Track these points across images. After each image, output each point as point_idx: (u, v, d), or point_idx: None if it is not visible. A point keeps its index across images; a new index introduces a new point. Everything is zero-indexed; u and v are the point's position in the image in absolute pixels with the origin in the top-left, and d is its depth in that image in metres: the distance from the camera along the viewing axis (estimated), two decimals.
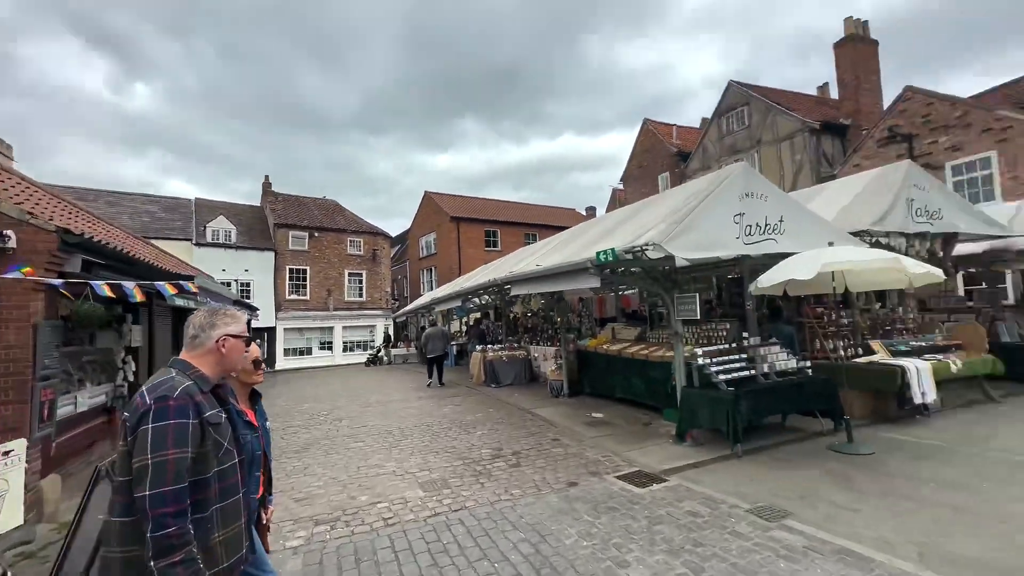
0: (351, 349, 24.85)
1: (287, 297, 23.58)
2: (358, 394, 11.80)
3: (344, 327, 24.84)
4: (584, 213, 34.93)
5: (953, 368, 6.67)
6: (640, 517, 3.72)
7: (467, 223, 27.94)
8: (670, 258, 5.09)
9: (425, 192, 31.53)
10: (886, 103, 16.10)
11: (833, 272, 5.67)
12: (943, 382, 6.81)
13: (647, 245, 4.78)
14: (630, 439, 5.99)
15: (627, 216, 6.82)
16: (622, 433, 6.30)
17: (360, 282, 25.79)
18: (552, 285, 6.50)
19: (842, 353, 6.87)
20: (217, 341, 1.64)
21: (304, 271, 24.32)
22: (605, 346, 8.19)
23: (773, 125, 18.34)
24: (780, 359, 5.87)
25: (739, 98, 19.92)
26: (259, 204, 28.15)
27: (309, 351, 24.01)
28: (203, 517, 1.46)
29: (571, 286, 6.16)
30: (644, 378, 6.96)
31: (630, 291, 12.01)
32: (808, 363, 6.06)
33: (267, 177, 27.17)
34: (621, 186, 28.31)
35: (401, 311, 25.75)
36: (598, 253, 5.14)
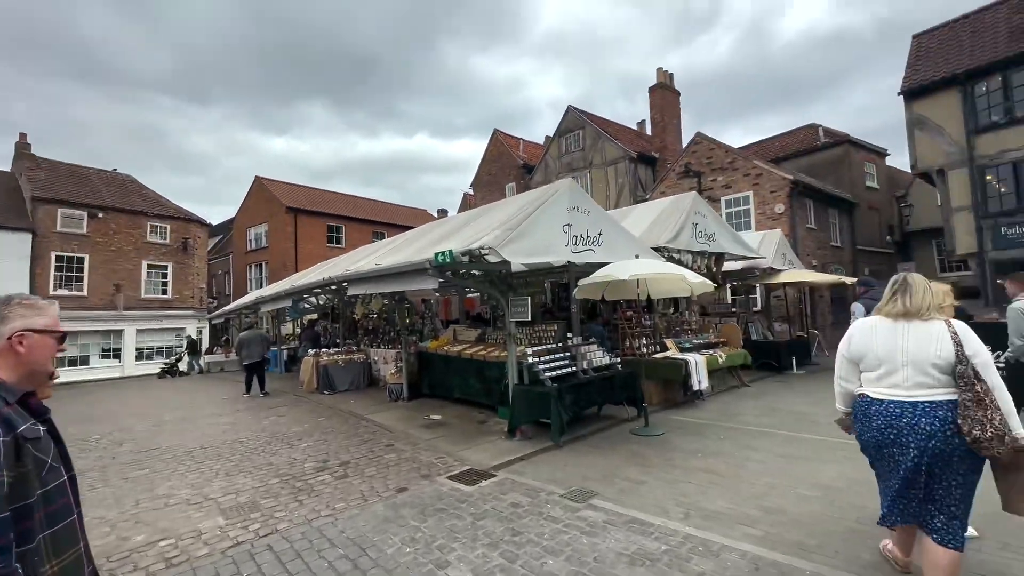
0: (149, 357, 20.56)
1: (52, 292, 18.47)
2: (151, 411, 9.80)
3: (140, 330, 20.44)
4: (436, 215, 34.89)
5: (719, 360, 8.36)
6: (466, 515, 3.80)
7: (307, 216, 25.56)
8: (506, 262, 5.36)
9: (256, 177, 27.84)
10: (684, 143, 19.56)
11: (638, 280, 6.63)
12: (713, 372, 8.49)
13: (483, 249, 4.94)
14: (465, 438, 6.11)
15: (469, 219, 6.98)
16: (457, 433, 6.40)
17: (165, 276, 21.55)
18: (391, 285, 6.30)
19: (645, 350, 8.08)
20: (9, 338, 1.33)
21: (80, 260, 19.36)
22: (446, 348, 8.25)
23: (602, 150, 20.80)
24: (597, 356, 6.62)
25: (576, 122, 22.11)
26: (9, 170, 21.58)
27: (86, 361, 19.16)
28: (29, 549, 1.23)
29: (410, 286, 6.05)
30: (481, 378, 7.19)
31: (473, 294, 12.35)
32: (618, 359, 6.97)
33: (24, 136, 20.92)
34: (471, 191, 29.06)
35: (219, 311, 22.25)
36: (436, 254, 5.14)
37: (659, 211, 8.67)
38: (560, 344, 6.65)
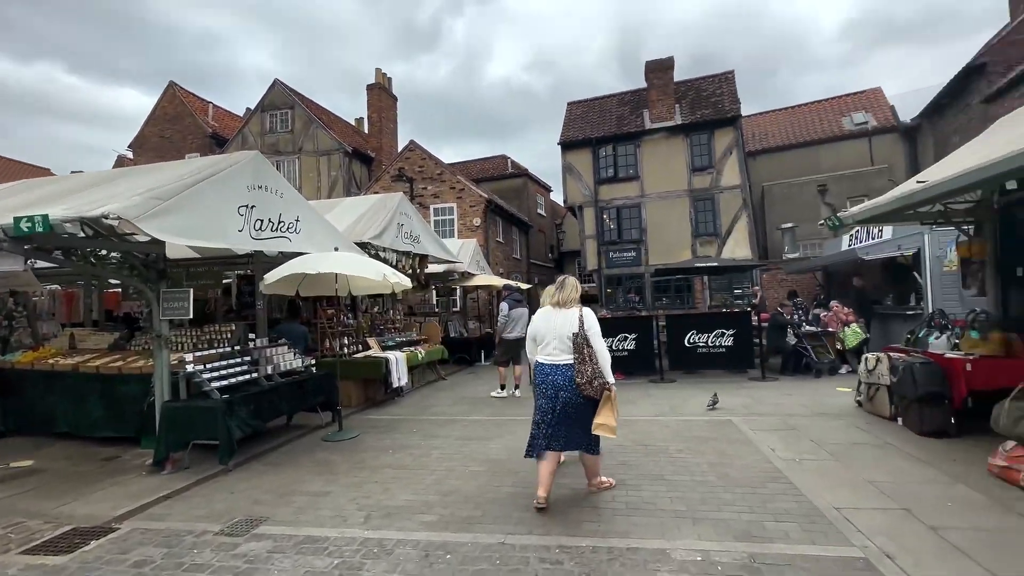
0: None
1: None
2: None
3: None
4: None
5: (420, 356, 8.74)
6: None
7: None
8: (156, 243, 4.07)
9: None
10: (400, 147, 20.12)
11: (337, 276, 6.20)
12: (414, 368, 8.83)
13: (110, 217, 3.58)
14: (74, 487, 4.32)
15: (100, 180, 5.05)
16: (59, 481, 4.48)
17: None
18: None
19: (346, 350, 7.69)
20: None
21: None
22: (53, 361, 5.75)
23: (315, 137, 19.24)
24: (286, 359, 5.84)
25: (284, 99, 19.76)
26: None
27: None
28: None
29: None
30: (111, 400, 5.28)
31: (118, 286, 9.21)
32: (313, 361, 6.35)
33: None
34: (131, 154, 22.12)
35: None
36: (17, 220, 3.44)
37: (367, 207, 8.47)
38: (238, 347, 5.55)
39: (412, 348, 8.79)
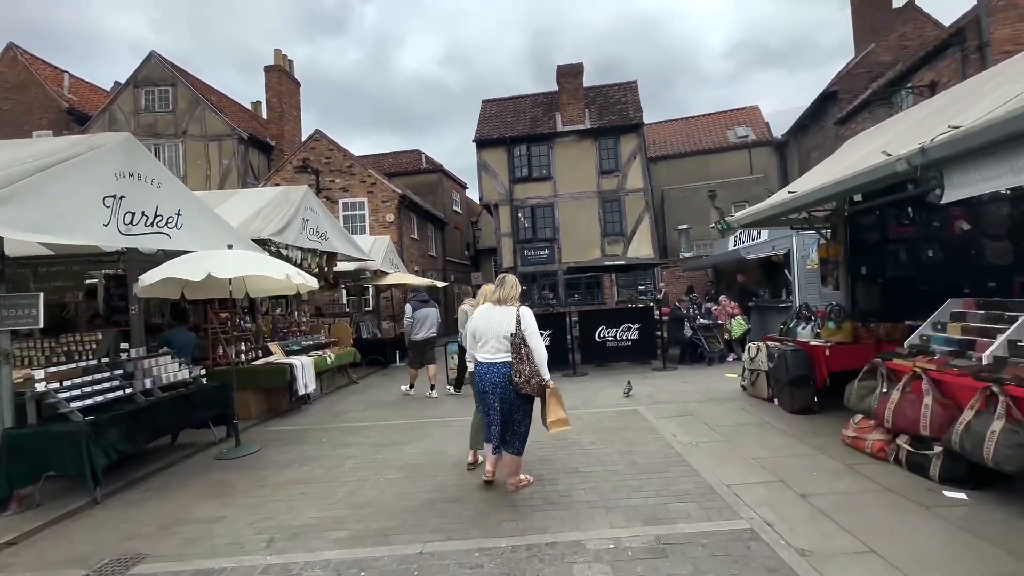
0: None
1: None
2: None
3: None
4: None
5: (329, 360, 8.24)
6: None
7: None
8: None
9: None
10: (305, 136, 18.74)
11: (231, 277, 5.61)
12: (322, 373, 8.30)
13: None
14: None
15: None
16: None
17: None
18: None
19: (243, 357, 7.01)
20: None
21: None
22: None
23: (202, 120, 17.28)
24: (168, 370, 5.17)
25: (163, 76, 17.49)
26: None
27: None
28: None
29: None
30: None
31: None
32: (203, 371, 5.71)
33: None
34: None
35: None
36: None
37: (266, 201, 7.76)
38: (106, 360, 4.80)
39: (320, 352, 8.26)
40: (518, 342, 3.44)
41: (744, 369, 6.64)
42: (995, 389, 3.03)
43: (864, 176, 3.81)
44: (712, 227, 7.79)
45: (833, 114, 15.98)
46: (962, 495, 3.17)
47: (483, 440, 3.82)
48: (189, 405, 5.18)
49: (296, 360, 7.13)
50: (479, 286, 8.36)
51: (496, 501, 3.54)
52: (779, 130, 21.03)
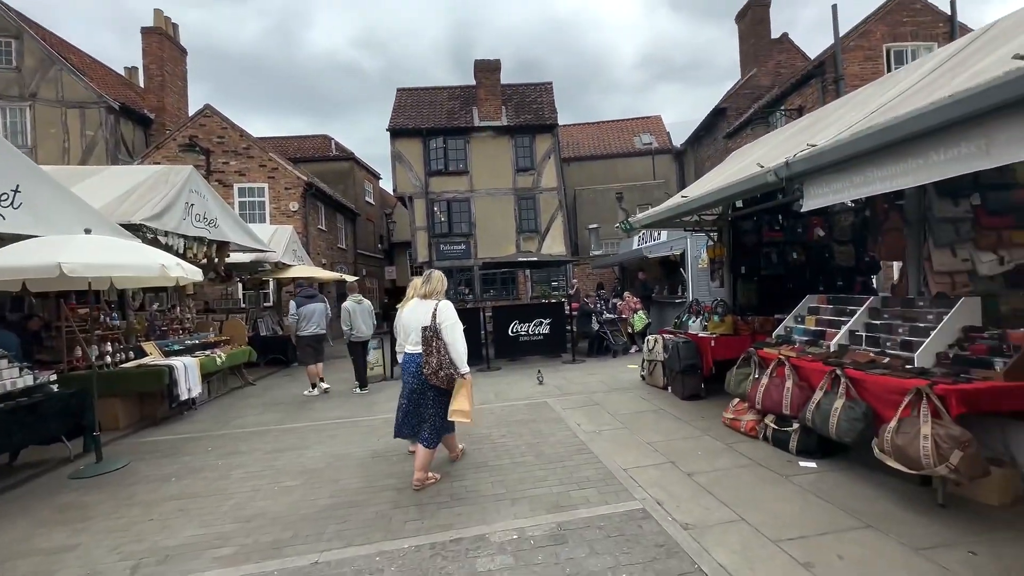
0: None
1: None
2: None
3: None
4: None
5: (218, 361, 7.48)
6: None
7: None
8: None
9: None
10: (193, 111, 16.75)
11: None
12: (211, 375, 7.51)
13: None
14: None
15: None
16: None
17: None
18: None
19: (109, 359, 6.11)
20: None
21: None
22: None
23: (58, 83, 14.74)
24: (4, 377, 4.34)
25: (4, 24, 14.64)
26: None
27: None
28: None
29: None
30: None
31: None
32: (53, 376, 4.88)
33: None
34: None
35: None
36: None
37: (139, 180, 6.80)
38: None
39: (208, 352, 7.46)
40: (429, 335, 3.56)
41: (644, 360, 7.13)
42: (839, 372, 3.55)
43: (742, 185, 4.25)
44: (617, 227, 8.25)
45: (723, 128, 17.71)
46: (813, 464, 3.68)
47: (402, 430, 3.90)
48: (33, 417, 4.40)
49: (177, 361, 6.36)
50: (353, 282, 8.48)
51: (401, 501, 3.45)
52: (679, 139, 22.85)
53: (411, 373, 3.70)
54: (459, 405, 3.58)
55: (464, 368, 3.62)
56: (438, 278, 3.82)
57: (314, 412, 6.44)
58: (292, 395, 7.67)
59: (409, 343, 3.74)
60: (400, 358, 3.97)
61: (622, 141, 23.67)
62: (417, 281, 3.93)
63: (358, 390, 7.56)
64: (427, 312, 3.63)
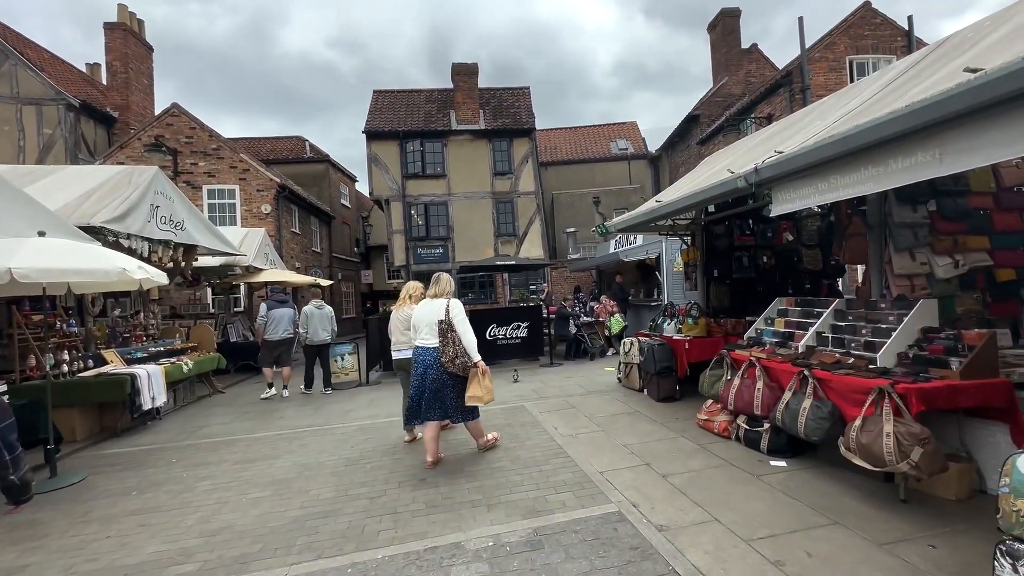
0: None
1: None
2: None
3: None
4: None
5: (185, 368, 7.21)
6: None
7: None
8: None
9: None
10: (159, 111, 16.19)
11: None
12: (177, 383, 7.24)
13: None
14: None
15: None
16: None
17: None
18: None
19: (66, 367, 5.83)
20: None
21: None
22: None
23: (13, 78, 14.07)
24: None
25: None
26: None
27: None
28: None
29: None
30: None
31: None
32: (4, 387, 4.62)
33: None
34: None
35: None
36: None
37: (101, 181, 6.52)
38: None
39: (174, 359, 7.19)
40: (445, 327, 4.00)
41: (620, 363, 7.19)
42: (806, 373, 3.64)
43: (714, 190, 4.34)
44: (593, 231, 8.33)
45: (696, 135, 18.11)
46: (783, 463, 3.77)
47: (416, 420, 4.23)
48: None
49: (140, 369, 6.11)
50: (316, 288, 9.05)
51: (374, 510, 3.37)
52: (654, 145, 23.28)
53: (427, 364, 4.06)
54: (473, 391, 4.00)
55: (476, 356, 4.02)
56: (446, 280, 4.26)
57: (285, 420, 6.27)
58: (262, 403, 7.46)
59: (420, 337, 4.13)
60: (397, 355, 4.76)
61: (599, 146, 23.96)
62: (410, 285, 4.71)
63: (304, 389, 8.06)
64: (440, 308, 4.08)
